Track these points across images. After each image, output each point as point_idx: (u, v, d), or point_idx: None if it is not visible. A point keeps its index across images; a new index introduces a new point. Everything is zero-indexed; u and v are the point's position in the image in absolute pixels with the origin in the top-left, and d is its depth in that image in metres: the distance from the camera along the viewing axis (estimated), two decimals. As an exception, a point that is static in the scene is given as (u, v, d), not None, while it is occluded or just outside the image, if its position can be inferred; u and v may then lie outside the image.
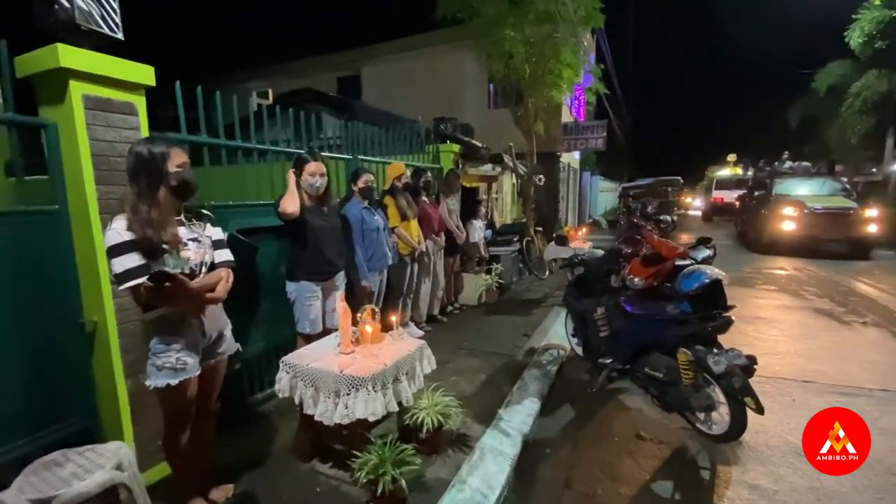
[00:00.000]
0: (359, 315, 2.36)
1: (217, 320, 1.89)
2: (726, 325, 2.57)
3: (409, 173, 4.07)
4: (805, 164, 11.43)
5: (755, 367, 2.49)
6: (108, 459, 1.55)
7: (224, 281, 1.82)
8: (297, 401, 2.16)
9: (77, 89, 1.86)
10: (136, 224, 1.60)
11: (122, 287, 1.58)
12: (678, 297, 2.70)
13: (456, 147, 5.92)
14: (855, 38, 13.31)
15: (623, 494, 2.23)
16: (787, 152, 11.99)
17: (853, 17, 13.22)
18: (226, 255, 1.90)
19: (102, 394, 2.08)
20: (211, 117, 2.71)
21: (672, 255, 2.98)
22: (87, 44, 1.88)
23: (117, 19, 2.01)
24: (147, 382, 1.72)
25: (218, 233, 1.91)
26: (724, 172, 19.64)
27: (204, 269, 1.80)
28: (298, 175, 2.74)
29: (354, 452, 2.02)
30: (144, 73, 2.09)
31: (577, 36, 7.59)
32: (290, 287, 2.84)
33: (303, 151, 2.94)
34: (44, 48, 1.78)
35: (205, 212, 1.92)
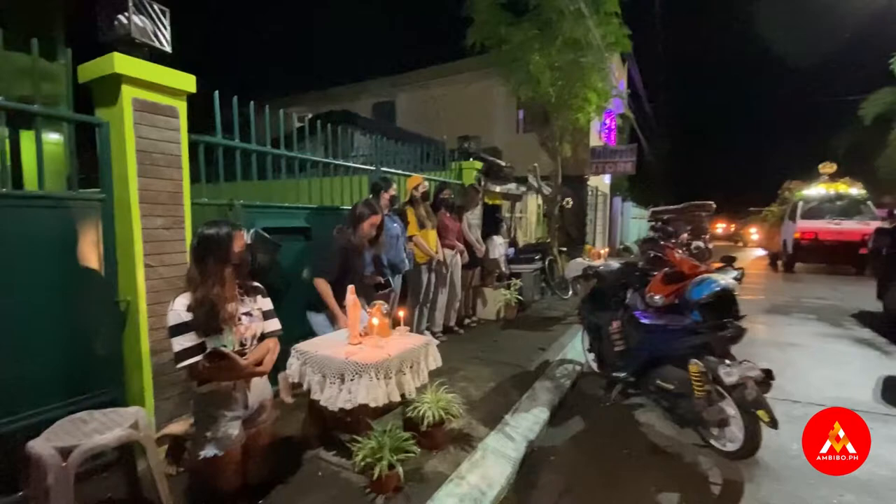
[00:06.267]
0: (367, 309, 2.46)
1: (261, 392, 1.97)
2: (738, 334, 2.51)
3: (426, 184, 4.22)
4: None
5: (771, 381, 2.41)
6: (127, 420, 1.69)
7: (271, 353, 1.91)
8: (305, 387, 2.26)
9: (128, 93, 2.11)
10: (199, 303, 1.69)
11: (179, 365, 1.67)
12: (689, 307, 2.67)
13: (478, 164, 6.07)
14: None
15: (624, 504, 2.17)
16: None
17: None
18: (274, 325, 1.98)
19: (130, 368, 2.26)
20: (254, 131, 2.98)
21: (694, 274, 2.93)
22: (140, 55, 2.15)
23: (167, 35, 2.28)
24: (199, 453, 1.76)
25: (268, 304, 1.99)
26: (816, 190, 11.95)
27: (254, 343, 1.90)
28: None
29: (356, 437, 2.08)
30: (187, 81, 2.34)
31: (604, 62, 7.72)
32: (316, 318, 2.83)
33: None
34: (102, 57, 2.05)
35: (257, 285, 2.00)
